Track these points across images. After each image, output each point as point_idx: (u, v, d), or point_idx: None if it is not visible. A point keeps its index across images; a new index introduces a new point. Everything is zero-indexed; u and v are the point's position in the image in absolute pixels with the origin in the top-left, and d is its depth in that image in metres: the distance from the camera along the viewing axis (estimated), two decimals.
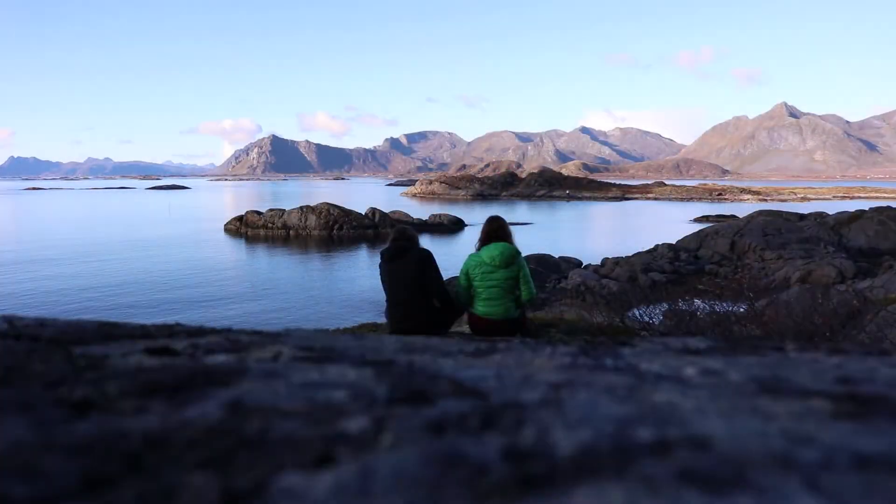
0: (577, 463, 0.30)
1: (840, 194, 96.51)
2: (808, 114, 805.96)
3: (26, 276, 22.14)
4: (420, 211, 46.96)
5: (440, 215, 42.56)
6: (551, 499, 0.26)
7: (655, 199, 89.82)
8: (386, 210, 40.77)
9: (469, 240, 25.92)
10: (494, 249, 4.64)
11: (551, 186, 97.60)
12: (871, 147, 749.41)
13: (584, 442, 0.33)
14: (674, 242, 25.09)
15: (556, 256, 23.00)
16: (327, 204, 38.43)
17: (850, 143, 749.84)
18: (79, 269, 23.74)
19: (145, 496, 0.28)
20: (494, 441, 0.34)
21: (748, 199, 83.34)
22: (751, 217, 29.43)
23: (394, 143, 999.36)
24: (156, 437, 0.35)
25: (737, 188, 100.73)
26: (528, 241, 26.34)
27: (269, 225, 37.56)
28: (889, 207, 25.80)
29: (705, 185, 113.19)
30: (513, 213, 56.03)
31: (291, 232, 36.65)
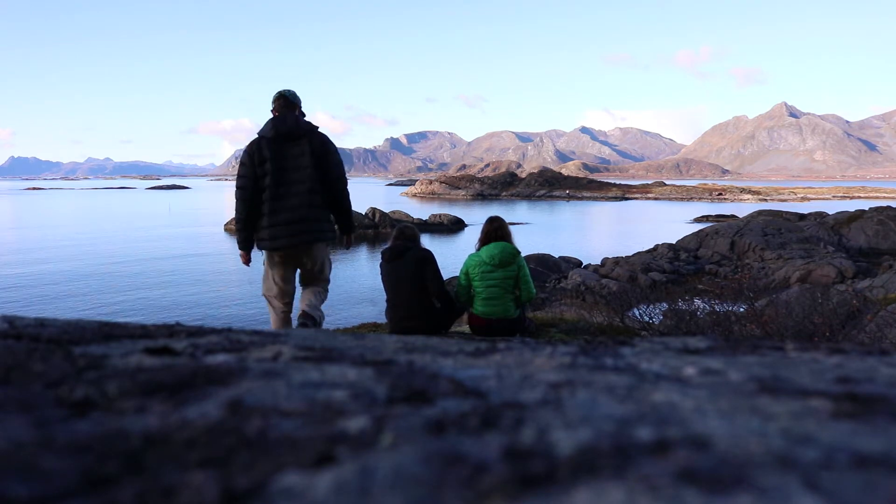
0: (576, 462, 0.30)
1: (840, 194, 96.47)
2: (808, 113, 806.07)
3: (27, 276, 22.14)
4: (420, 211, 46.95)
5: (440, 215, 42.55)
6: (551, 498, 0.27)
7: (655, 199, 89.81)
8: (386, 210, 40.76)
9: (469, 240, 25.93)
10: (494, 249, 4.64)
11: (551, 186, 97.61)
12: (871, 147, 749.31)
13: (583, 441, 0.33)
14: (674, 242, 25.09)
15: (556, 256, 23.00)
16: None
17: (850, 142, 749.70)
18: (79, 269, 23.74)
19: (145, 495, 0.28)
20: (494, 440, 0.34)
21: (748, 199, 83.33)
22: (751, 217, 29.46)
23: (394, 143, 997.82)
24: (156, 436, 0.35)
25: (737, 188, 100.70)
26: (528, 241, 26.33)
27: None
28: (889, 207, 25.80)
29: (705, 184, 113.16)
30: (513, 213, 56.02)
31: None
